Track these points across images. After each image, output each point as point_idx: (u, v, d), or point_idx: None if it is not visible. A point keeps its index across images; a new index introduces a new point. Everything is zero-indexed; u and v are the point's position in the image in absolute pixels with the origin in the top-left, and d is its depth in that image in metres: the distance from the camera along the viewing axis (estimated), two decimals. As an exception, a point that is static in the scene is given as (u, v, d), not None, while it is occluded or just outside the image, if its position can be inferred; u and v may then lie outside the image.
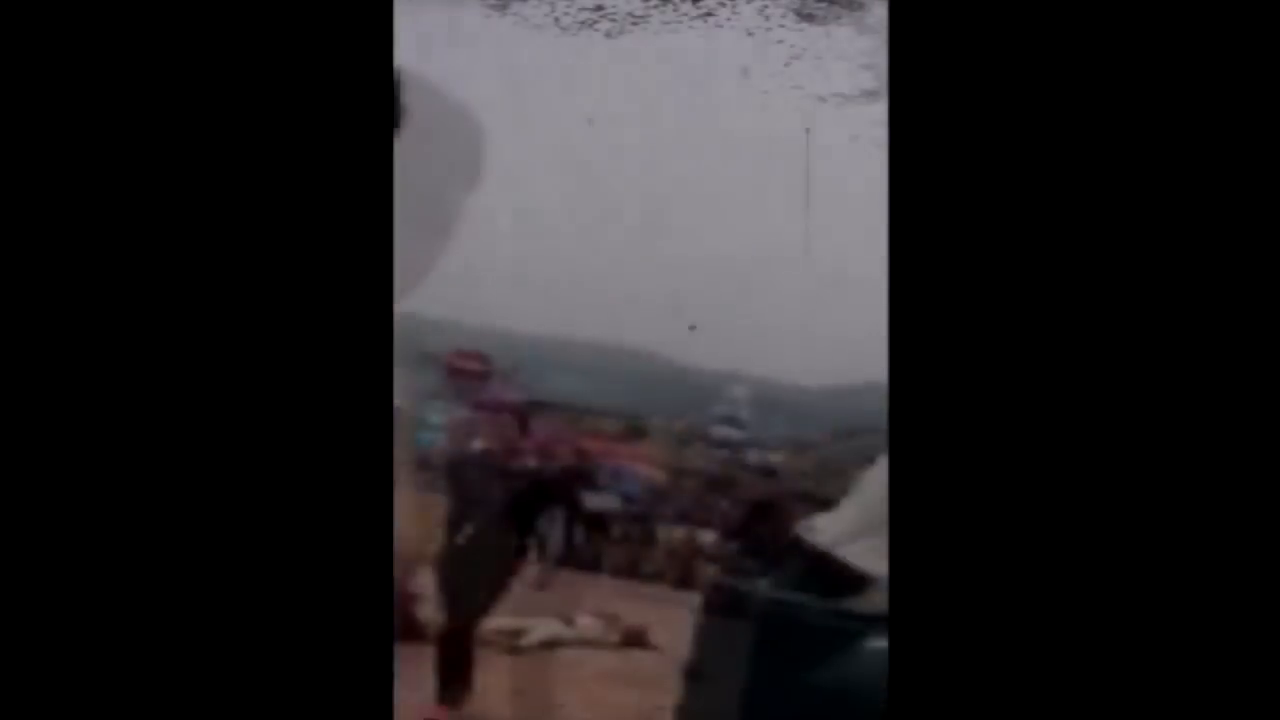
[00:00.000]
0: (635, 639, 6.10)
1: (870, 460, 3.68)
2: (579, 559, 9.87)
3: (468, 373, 11.92)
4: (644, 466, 11.73)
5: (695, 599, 3.89)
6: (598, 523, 10.15)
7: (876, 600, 3.49)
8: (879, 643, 3.41)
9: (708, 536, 9.55)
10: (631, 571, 9.37)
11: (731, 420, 12.67)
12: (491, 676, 5.55)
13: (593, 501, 10.69)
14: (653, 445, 12.74)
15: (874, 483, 3.62)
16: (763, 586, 3.57)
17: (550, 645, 6.03)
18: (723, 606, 3.51)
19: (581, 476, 10.82)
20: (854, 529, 3.56)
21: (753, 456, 12.07)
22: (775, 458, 12.15)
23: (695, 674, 3.49)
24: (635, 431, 13.21)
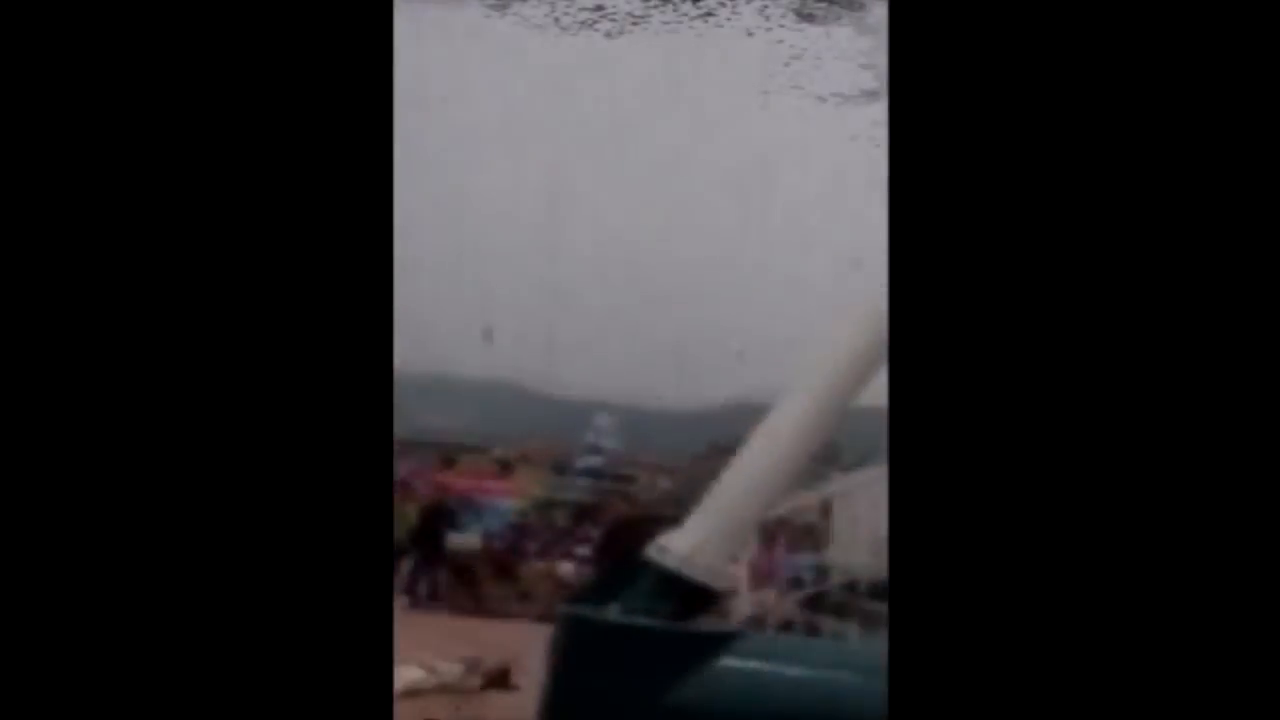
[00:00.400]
0: (497, 680, 5.91)
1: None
2: (442, 600, 9.57)
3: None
4: (511, 500, 11.49)
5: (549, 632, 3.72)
6: (460, 562, 9.88)
7: (723, 616, 3.46)
8: (729, 660, 3.37)
9: (568, 567, 9.43)
10: (495, 609, 9.15)
11: (596, 449, 12.60)
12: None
13: (455, 541, 10.42)
14: (521, 478, 12.53)
15: (720, 498, 3.60)
16: (613, 611, 3.48)
17: (412, 693, 5.77)
18: (571, 637, 3.40)
19: (444, 516, 10.54)
20: (700, 545, 3.51)
21: (616, 483, 12.04)
22: (637, 484, 12.16)
23: (551, 708, 3.35)
24: (504, 466, 12.98)
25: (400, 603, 8.90)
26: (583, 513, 11.18)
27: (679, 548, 3.62)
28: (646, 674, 3.28)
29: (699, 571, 3.48)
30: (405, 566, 9.36)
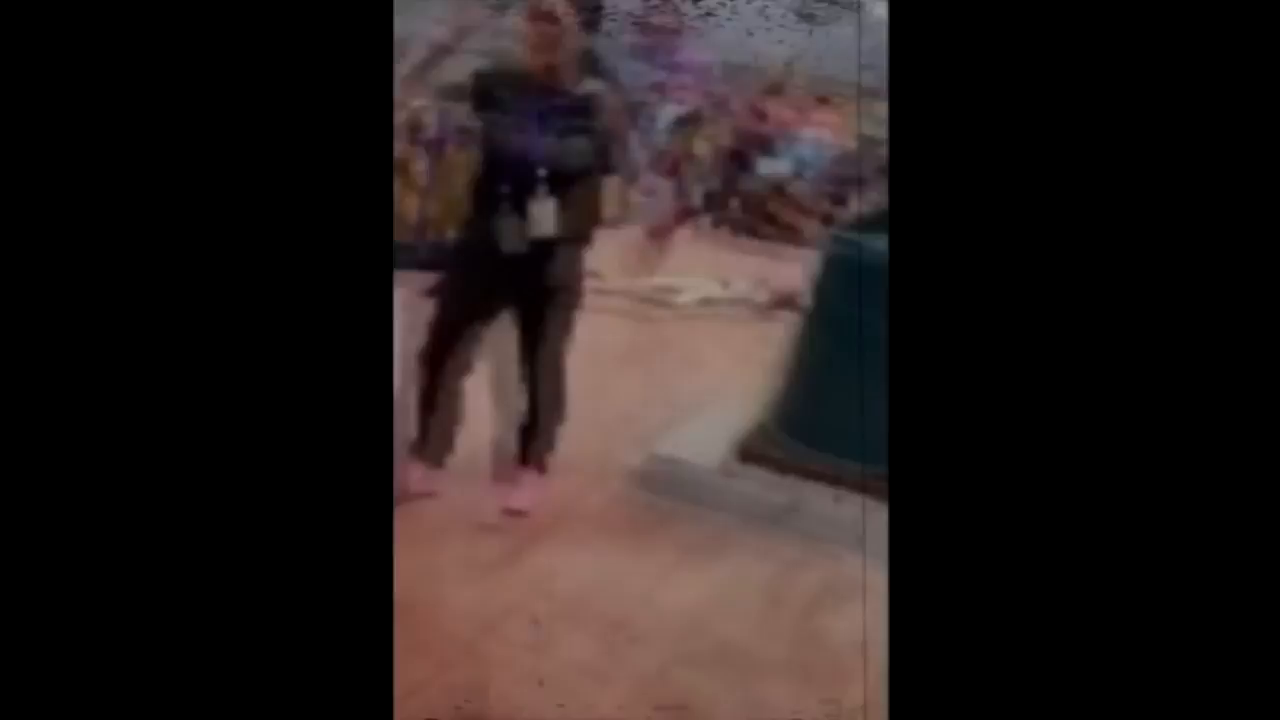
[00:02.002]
0: (785, 301, 6.18)
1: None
2: (743, 221, 9.90)
3: (661, 29, 11.40)
4: (830, 135, 11.21)
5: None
6: (766, 188, 10.02)
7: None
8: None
9: (870, 204, 9.28)
10: (794, 238, 9.34)
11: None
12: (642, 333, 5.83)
13: (766, 166, 10.51)
14: (844, 115, 12.11)
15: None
16: (881, 244, 3.47)
17: (705, 304, 6.25)
18: (834, 257, 3.48)
19: (757, 141, 10.57)
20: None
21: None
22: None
23: (814, 314, 3.55)
24: (827, 100, 12.54)
25: (702, 220, 9.35)
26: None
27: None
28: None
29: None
30: (715, 186, 9.66)
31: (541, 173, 2.55)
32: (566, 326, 2.79)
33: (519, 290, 2.68)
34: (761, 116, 11.31)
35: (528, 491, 3.06)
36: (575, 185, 2.63)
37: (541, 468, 3.11)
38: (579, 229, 2.70)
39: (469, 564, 2.72)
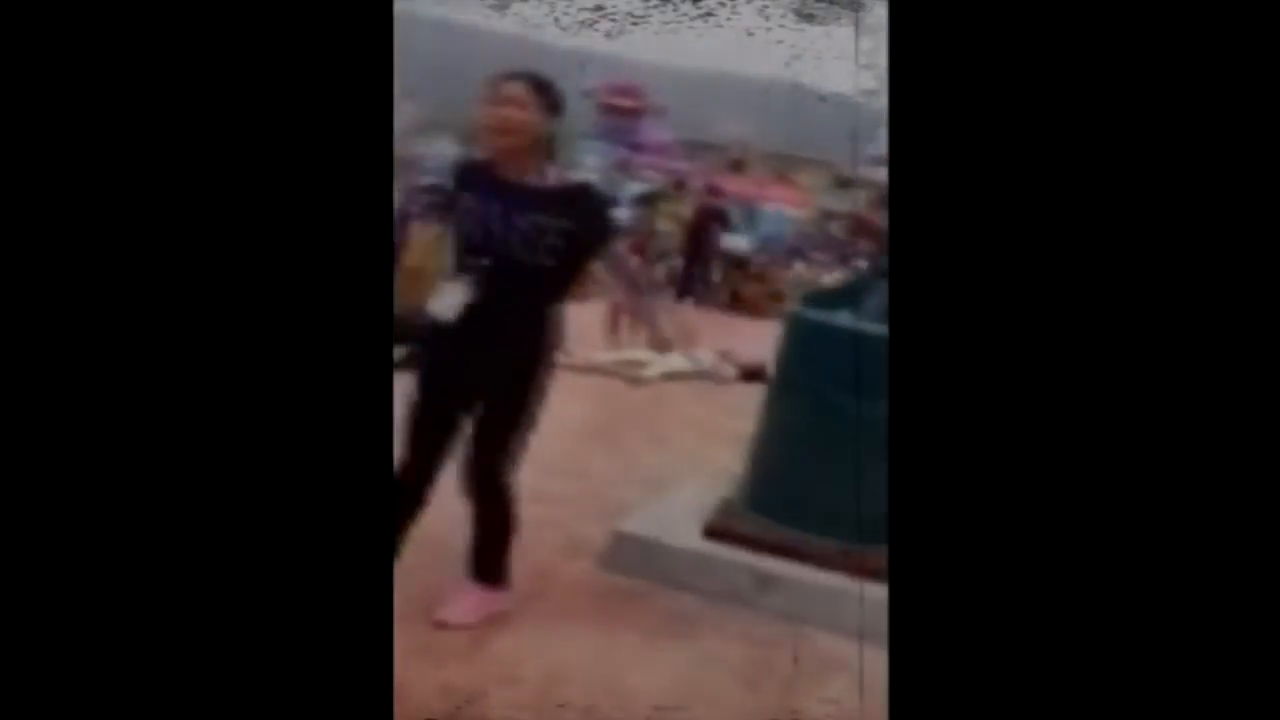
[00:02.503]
0: (751, 374, 6.21)
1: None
2: (709, 296, 10.01)
3: (621, 110, 11.61)
4: (792, 209, 11.46)
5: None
6: (730, 262, 10.17)
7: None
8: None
9: (831, 277, 9.46)
10: (757, 309, 9.46)
11: (881, 160, 11.94)
12: (603, 407, 5.82)
13: (728, 242, 10.67)
14: (805, 186, 12.37)
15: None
16: (843, 317, 3.51)
17: (670, 377, 6.25)
18: (797, 330, 3.50)
19: (718, 217, 10.74)
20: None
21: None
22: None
23: (778, 387, 3.56)
24: (786, 172, 12.82)
25: (670, 295, 9.46)
26: (859, 226, 10.98)
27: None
28: (864, 378, 3.33)
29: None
30: (679, 262, 9.78)
31: (484, 261, 2.52)
32: (521, 419, 2.67)
33: (474, 374, 2.64)
34: (721, 193, 11.54)
35: (465, 604, 2.76)
36: (524, 273, 2.57)
37: (494, 583, 2.81)
38: (508, 317, 2.60)
39: (431, 649, 2.65)
